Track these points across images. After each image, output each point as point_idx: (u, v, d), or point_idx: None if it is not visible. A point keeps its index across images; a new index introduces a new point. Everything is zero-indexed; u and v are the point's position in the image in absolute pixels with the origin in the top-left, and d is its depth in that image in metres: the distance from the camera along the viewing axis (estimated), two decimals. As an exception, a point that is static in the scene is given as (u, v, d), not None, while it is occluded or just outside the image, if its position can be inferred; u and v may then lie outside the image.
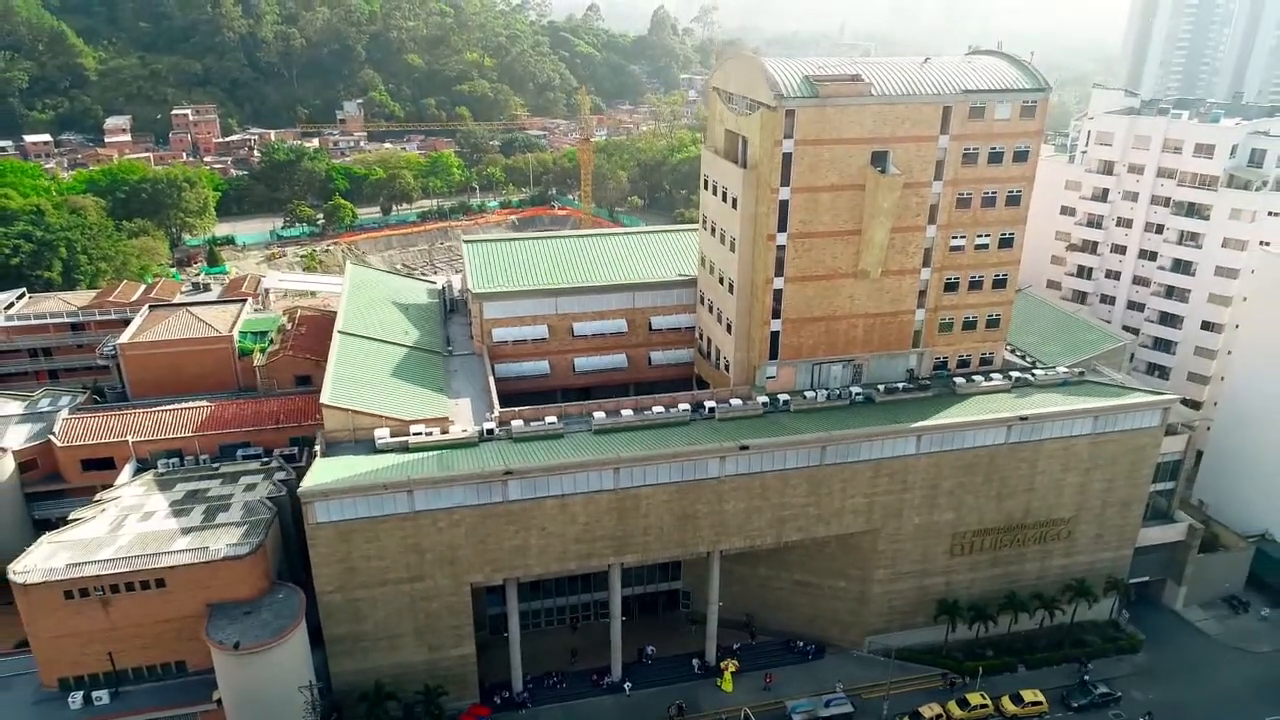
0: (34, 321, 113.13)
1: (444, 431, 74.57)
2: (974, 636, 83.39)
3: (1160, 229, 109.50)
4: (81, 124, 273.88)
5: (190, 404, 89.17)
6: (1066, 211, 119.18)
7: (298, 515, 71.72)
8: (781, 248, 78.53)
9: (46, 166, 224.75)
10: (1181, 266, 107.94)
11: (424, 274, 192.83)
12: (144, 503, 75.17)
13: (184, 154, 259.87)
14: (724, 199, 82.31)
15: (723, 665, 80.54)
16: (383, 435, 73.00)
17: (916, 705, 77.34)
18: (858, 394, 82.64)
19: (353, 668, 71.54)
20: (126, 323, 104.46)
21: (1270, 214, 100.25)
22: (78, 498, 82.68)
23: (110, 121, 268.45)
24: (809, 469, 75.61)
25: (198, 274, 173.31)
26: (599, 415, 78.10)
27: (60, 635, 65.81)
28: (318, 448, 72.36)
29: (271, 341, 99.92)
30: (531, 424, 76.33)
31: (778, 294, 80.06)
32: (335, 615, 69.72)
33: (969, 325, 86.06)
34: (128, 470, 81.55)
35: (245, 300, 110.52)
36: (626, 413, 78.80)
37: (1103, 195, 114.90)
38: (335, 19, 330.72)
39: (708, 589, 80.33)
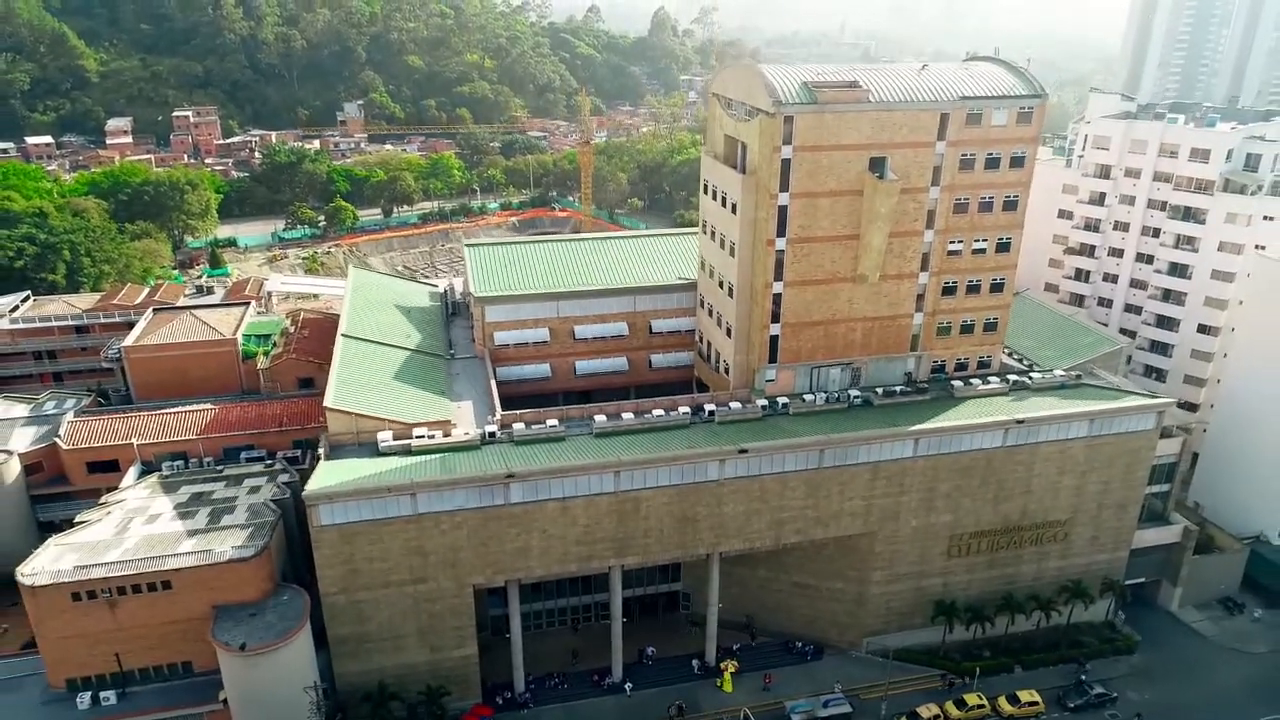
0: (39, 324, 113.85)
1: (446, 434, 75.33)
2: (971, 637, 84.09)
3: (1157, 233, 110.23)
4: (83, 126, 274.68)
5: (194, 407, 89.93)
6: (1064, 215, 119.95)
7: (301, 517, 72.51)
8: (781, 252, 79.26)
9: (48, 168, 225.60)
10: (1178, 270, 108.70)
11: (425, 276, 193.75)
12: (149, 505, 75.92)
13: (185, 156, 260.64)
14: (724, 204, 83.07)
15: (722, 666, 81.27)
16: (385, 438, 73.75)
17: (914, 705, 78.09)
18: (856, 397, 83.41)
19: (356, 668, 72.31)
20: (131, 326, 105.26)
21: (1266, 218, 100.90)
22: (83, 500, 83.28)
23: (111, 123, 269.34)
24: (807, 472, 76.37)
25: (200, 276, 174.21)
26: (600, 418, 78.85)
27: (68, 636, 66.56)
28: (321, 451, 73.13)
29: (274, 344, 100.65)
30: (533, 427, 77.10)
31: (777, 298, 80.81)
32: (339, 617, 70.46)
33: (966, 329, 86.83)
34: (132, 473, 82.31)
35: (248, 303, 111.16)
36: (627, 416, 79.54)
37: (1100, 199, 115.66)
38: (336, 20, 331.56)
39: (707, 591, 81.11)
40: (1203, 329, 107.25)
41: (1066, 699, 79.94)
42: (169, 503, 76.06)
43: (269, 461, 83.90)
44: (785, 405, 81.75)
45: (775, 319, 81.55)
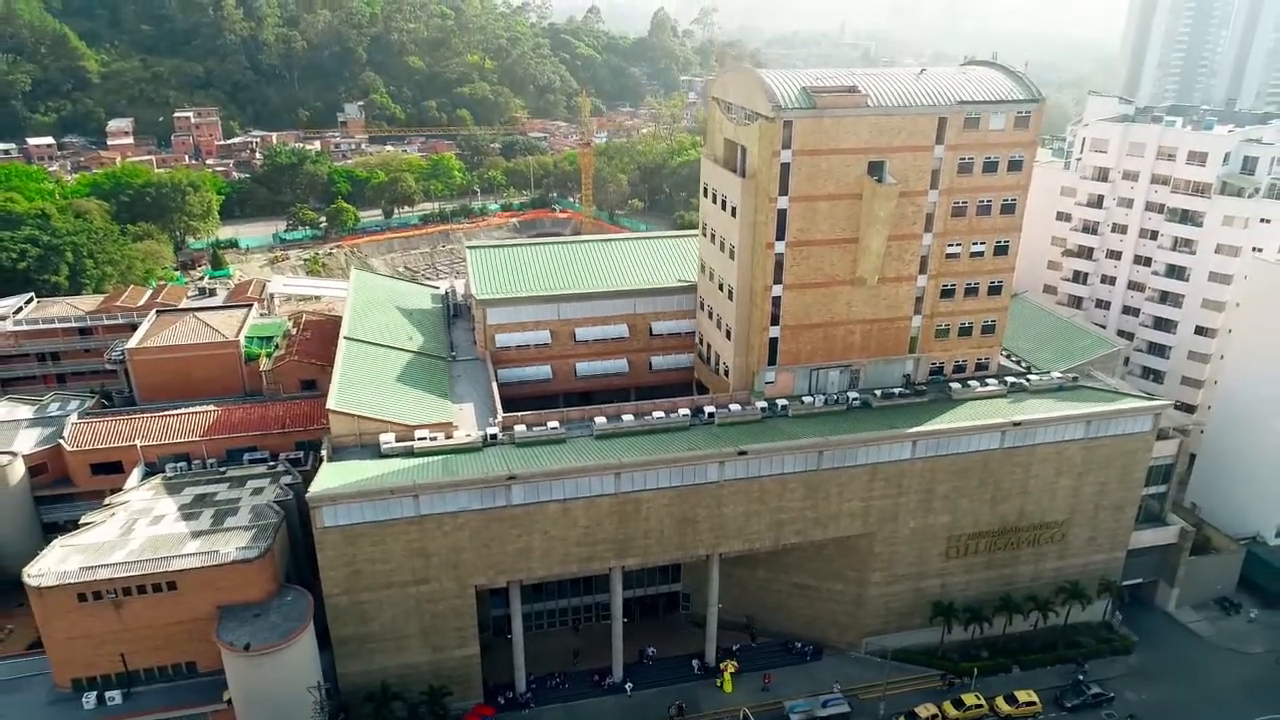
0: (42, 326, 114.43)
1: (448, 436, 75.90)
2: (969, 638, 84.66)
3: (1155, 235, 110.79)
4: (84, 127, 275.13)
5: (197, 408, 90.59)
6: (1062, 217, 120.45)
7: (304, 519, 73.25)
8: (780, 255, 79.82)
9: (50, 169, 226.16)
10: (1176, 272, 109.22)
11: (426, 277, 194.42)
12: (153, 506, 76.54)
13: (186, 156, 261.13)
14: (723, 207, 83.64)
15: (722, 666, 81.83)
16: (388, 440, 74.33)
17: (913, 705, 78.65)
18: (855, 399, 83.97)
19: (359, 669, 72.87)
20: (134, 327, 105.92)
21: (1262, 220, 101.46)
22: (86, 501, 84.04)
23: (113, 124, 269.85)
24: (806, 473, 76.95)
25: (201, 277, 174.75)
26: (600, 420, 79.42)
27: (74, 637, 67.20)
28: (324, 452, 73.69)
29: (277, 346, 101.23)
30: (534, 429, 77.68)
31: (776, 300, 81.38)
32: (342, 617, 71.01)
33: (965, 331, 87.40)
34: (136, 474, 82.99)
35: (251, 305, 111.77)
36: (627, 418, 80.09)
37: (1098, 201, 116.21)
38: (336, 21, 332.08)
39: (707, 591, 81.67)
40: (1200, 331, 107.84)
41: (1064, 699, 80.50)
42: (173, 504, 76.68)
43: (272, 463, 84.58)
44: (784, 407, 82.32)
45: (775, 321, 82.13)
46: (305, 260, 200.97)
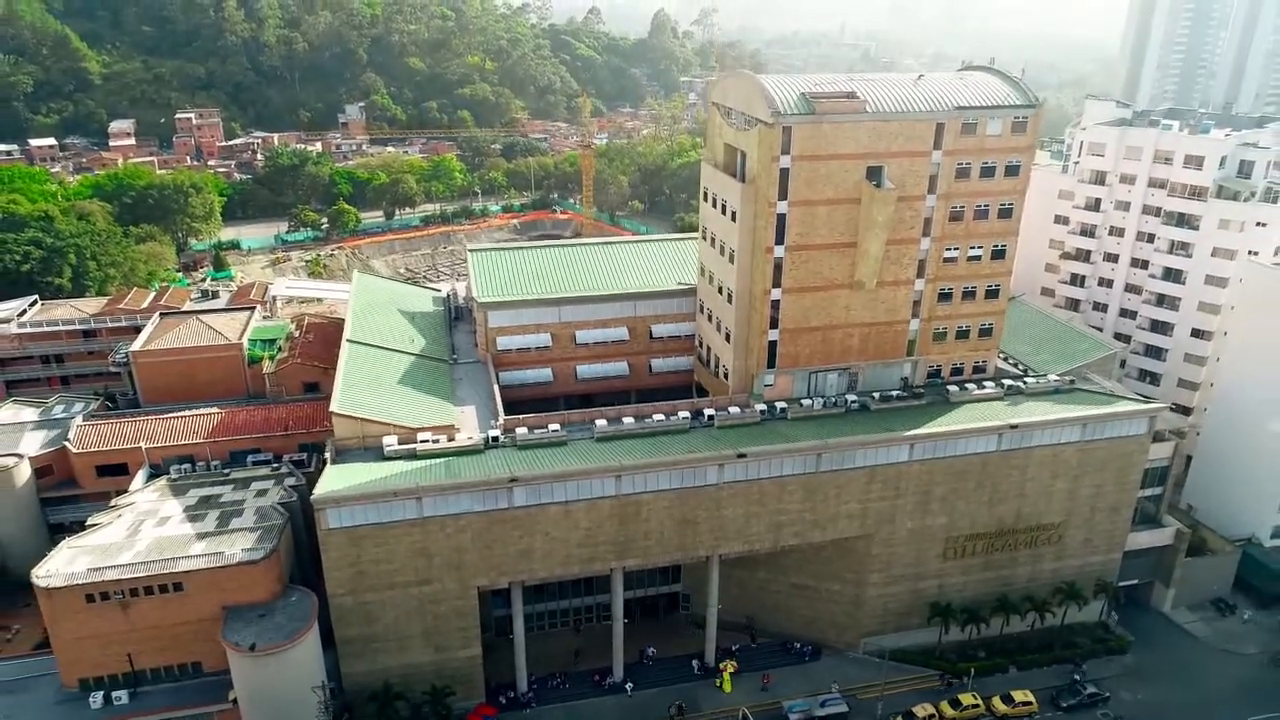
0: (47, 329, 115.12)
1: (450, 439, 76.65)
2: (966, 638, 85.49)
3: (1151, 238, 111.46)
4: (86, 128, 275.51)
5: (201, 411, 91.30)
6: (1060, 220, 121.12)
7: (308, 520, 74.10)
8: (779, 259, 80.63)
9: (52, 170, 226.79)
10: (1172, 275, 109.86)
11: (427, 278, 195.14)
12: (159, 508, 77.31)
13: (188, 158, 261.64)
14: (723, 211, 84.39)
15: (721, 666, 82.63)
16: (391, 443, 75.05)
17: (910, 705, 79.46)
18: (853, 401, 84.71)
19: (363, 668, 73.67)
20: (137, 330, 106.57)
21: (1258, 224, 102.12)
22: (92, 503, 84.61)
23: (114, 125, 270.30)
24: (805, 476, 77.75)
25: (203, 279, 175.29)
26: (601, 423, 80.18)
27: (81, 637, 68.15)
28: (328, 455, 74.47)
29: (280, 349, 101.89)
30: (535, 431, 78.51)
31: (775, 304, 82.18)
32: (346, 618, 71.83)
33: (962, 334, 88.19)
34: (141, 476, 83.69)
35: (254, 308, 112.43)
36: (628, 420, 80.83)
37: (1095, 205, 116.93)
38: (337, 22, 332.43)
39: (707, 592, 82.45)
40: (1196, 333, 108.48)
41: (1060, 699, 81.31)
42: (178, 506, 77.47)
43: (275, 465, 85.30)
44: (783, 410, 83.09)
45: (774, 325, 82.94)
46: (307, 262, 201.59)
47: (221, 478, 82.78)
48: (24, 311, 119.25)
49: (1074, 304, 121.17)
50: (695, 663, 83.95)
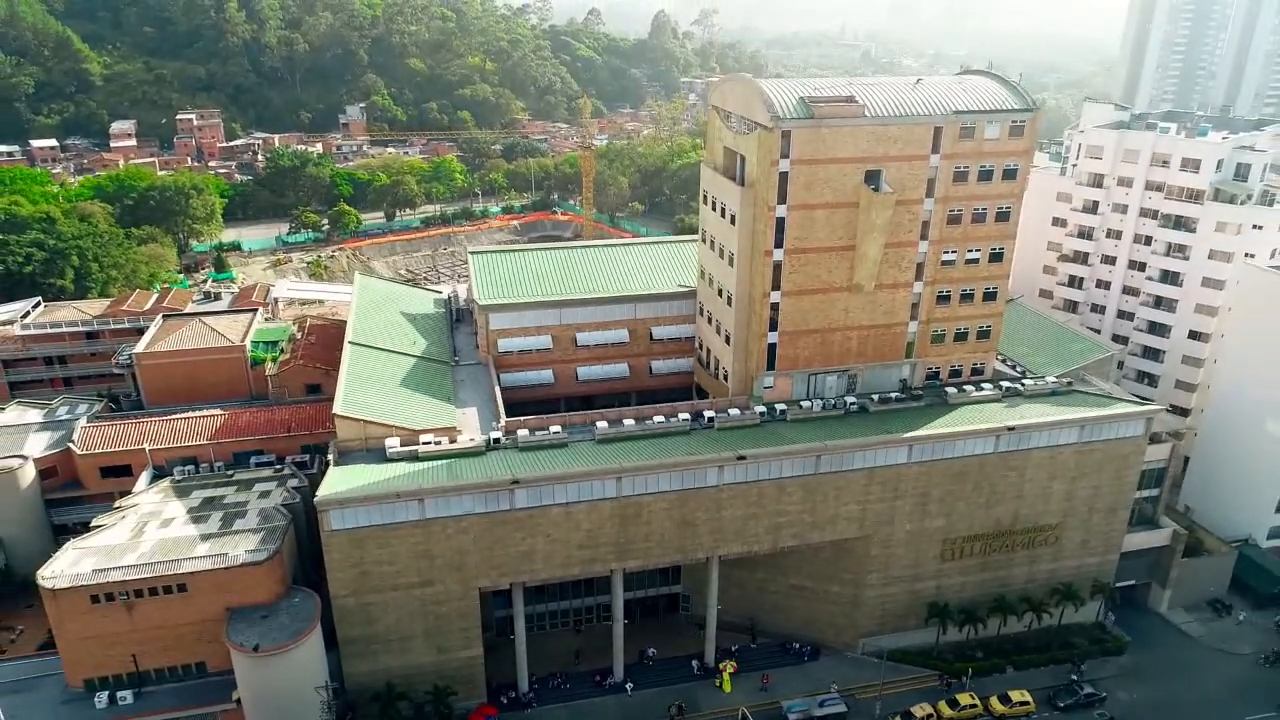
0: (50, 330, 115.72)
1: (452, 441, 77.18)
2: (964, 639, 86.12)
3: (1149, 240, 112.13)
4: (87, 129, 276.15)
5: (204, 412, 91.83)
6: (1058, 223, 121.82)
7: (311, 521, 74.66)
8: (778, 263, 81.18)
9: (53, 171, 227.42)
10: (1169, 277, 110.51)
11: (428, 279, 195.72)
12: (162, 509, 77.83)
13: (189, 159, 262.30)
14: (723, 215, 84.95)
15: (721, 666, 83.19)
16: (393, 444, 75.57)
17: (909, 705, 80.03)
18: (852, 403, 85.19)
19: (365, 669, 74.25)
20: (140, 332, 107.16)
21: (1254, 226, 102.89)
22: (96, 504, 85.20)
23: (116, 126, 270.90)
24: (804, 477, 78.31)
25: (205, 280, 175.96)
26: (602, 425, 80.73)
27: (86, 638, 68.63)
28: (330, 457, 75.03)
29: (282, 351, 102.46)
30: (536, 433, 79.04)
31: (775, 307, 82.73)
32: (349, 618, 72.41)
33: (960, 337, 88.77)
34: (144, 477, 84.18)
35: (256, 310, 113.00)
36: (628, 422, 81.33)
37: (1093, 207, 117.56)
38: (338, 24, 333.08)
39: (707, 593, 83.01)
40: (1193, 335, 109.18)
41: (1057, 699, 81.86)
42: (182, 507, 77.96)
43: (278, 466, 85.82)
44: (783, 411, 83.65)
45: (773, 327, 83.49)
46: (308, 263, 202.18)
47: (225, 479, 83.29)
48: (28, 313, 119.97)
49: (1072, 306, 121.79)
50: (695, 663, 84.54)
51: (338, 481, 70.56)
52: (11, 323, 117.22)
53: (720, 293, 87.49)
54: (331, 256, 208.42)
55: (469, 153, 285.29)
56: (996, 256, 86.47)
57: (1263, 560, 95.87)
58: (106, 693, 69.73)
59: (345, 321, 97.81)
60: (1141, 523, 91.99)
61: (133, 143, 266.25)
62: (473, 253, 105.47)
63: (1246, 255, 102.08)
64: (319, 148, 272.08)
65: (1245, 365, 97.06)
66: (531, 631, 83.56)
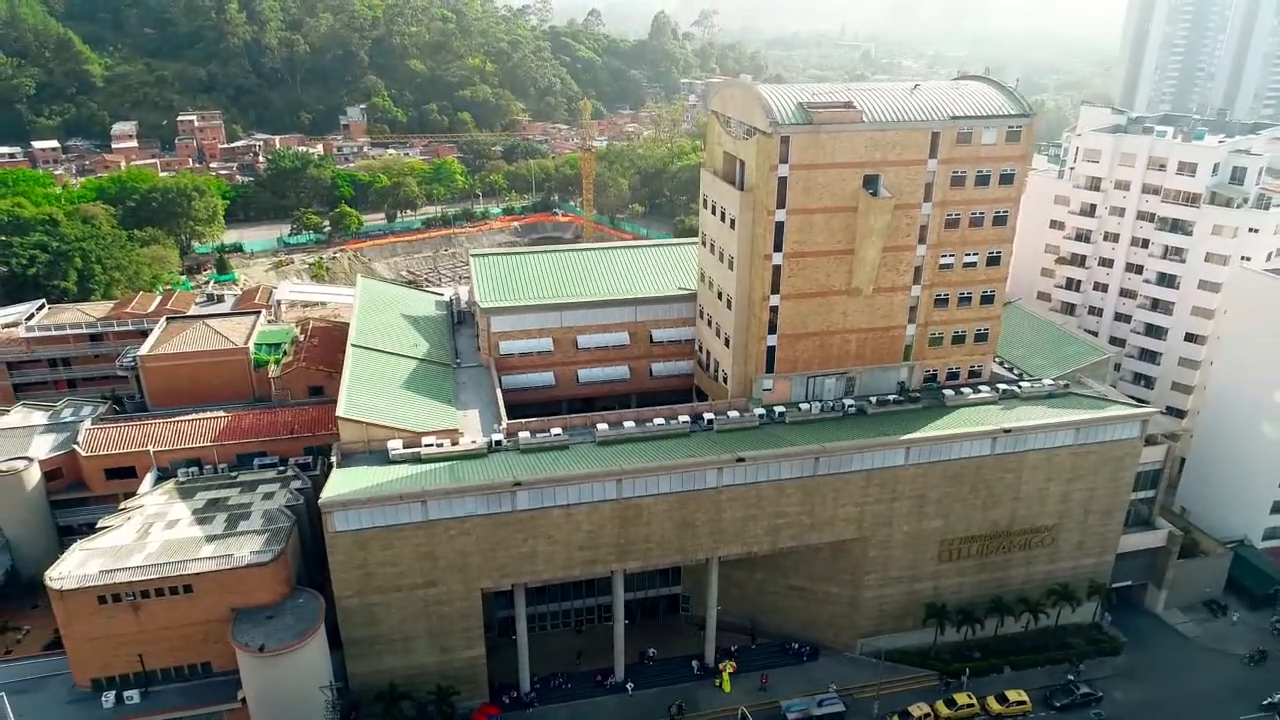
0: (55, 332, 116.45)
1: (454, 443, 77.86)
2: (962, 639, 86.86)
3: (1146, 244, 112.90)
4: (88, 130, 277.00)
5: (208, 414, 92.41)
6: (1056, 225, 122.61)
7: (315, 522, 75.35)
8: (777, 266, 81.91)
9: (55, 173, 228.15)
10: (1166, 280, 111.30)
11: (429, 281, 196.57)
12: (167, 511, 78.54)
13: (190, 160, 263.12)
14: (723, 219, 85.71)
15: (721, 666, 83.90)
16: (396, 446, 76.26)
17: (906, 705, 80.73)
18: (851, 406, 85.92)
19: (369, 669, 74.96)
20: (144, 334, 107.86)
21: (1250, 230, 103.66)
22: (101, 505, 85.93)
23: (117, 128, 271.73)
24: (803, 479, 79.02)
25: (207, 282, 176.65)
26: (602, 427, 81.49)
27: (93, 638, 69.28)
28: (334, 459, 75.75)
29: (285, 353, 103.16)
30: (538, 435, 79.77)
31: (774, 310, 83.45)
32: (353, 619, 73.13)
33: (958, 339, 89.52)
34: (149, 479, 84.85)
35: (259, 312, 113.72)
36: (629, 424, 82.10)
37: (1090, 210, 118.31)
38: (338, 25, 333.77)
39: (706, 593, 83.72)
40: (1190, 338, 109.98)
41: (1053, 699, 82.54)
42: (186, 508, 78.66)
43: (281, 468, 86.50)
44: (782, 414, 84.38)
45: (772, 330, 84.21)
46: (309, 264, 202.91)
47: (229, 481, 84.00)
48: (32, 315, 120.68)
49: (1069, 308, 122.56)
50: (695, 663, 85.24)
51: (341, 483, 71.30)
52: (16, 325, 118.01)
53: (720, 296, 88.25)
54: (333, 258, 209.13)
55: (469, 154, 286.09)
56: (994, 260, 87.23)
57: (1258, 561, 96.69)
58: (113, 692, 70.33)
59: (347, 324, 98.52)
60: (1137, 524, 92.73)
61: (134, 144, 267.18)
62: (474, 255, 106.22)
63: (1242, 258, 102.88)
64: (320, 149, 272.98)
65: (1241, 367, 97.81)
66: (533, 632, 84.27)
